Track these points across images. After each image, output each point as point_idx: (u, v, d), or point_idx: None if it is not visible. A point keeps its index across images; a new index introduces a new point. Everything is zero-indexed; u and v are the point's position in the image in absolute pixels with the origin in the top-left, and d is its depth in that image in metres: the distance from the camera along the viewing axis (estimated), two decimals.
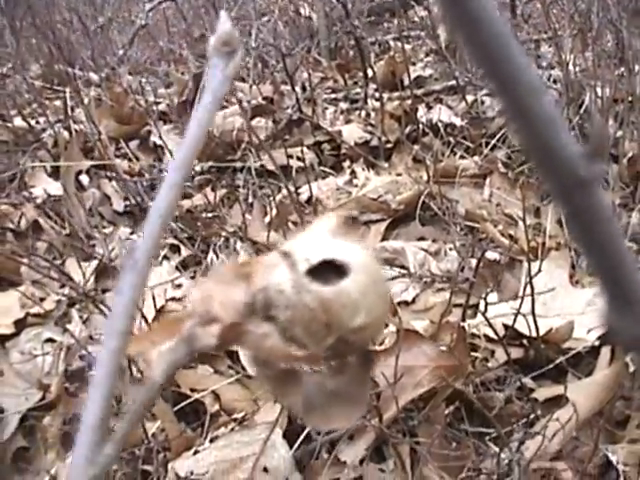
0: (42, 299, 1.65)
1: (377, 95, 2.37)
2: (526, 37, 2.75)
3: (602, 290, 0.22)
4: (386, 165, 2.17)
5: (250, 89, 2.46)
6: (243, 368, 1.40)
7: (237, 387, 1.38)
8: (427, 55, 2.98)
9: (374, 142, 2.27)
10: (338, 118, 2.46)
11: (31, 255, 1.68)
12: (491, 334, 1.35)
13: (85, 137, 2.34)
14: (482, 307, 1.36)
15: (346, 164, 2.20)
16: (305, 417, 0.34)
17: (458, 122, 2.26)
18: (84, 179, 2.22)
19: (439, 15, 2.96)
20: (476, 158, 2.06)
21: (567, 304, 1.47)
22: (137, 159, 2.35)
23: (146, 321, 1.39)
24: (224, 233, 1.84)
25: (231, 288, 0.33)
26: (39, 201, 2.06)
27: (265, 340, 0.32)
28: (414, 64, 2.79)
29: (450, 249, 1.70)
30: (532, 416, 1.24)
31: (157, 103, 2.66)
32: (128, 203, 2.14)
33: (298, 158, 2.10)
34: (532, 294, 1.32)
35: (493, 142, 2.10)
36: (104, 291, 1.70)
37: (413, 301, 1.54)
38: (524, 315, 1.34)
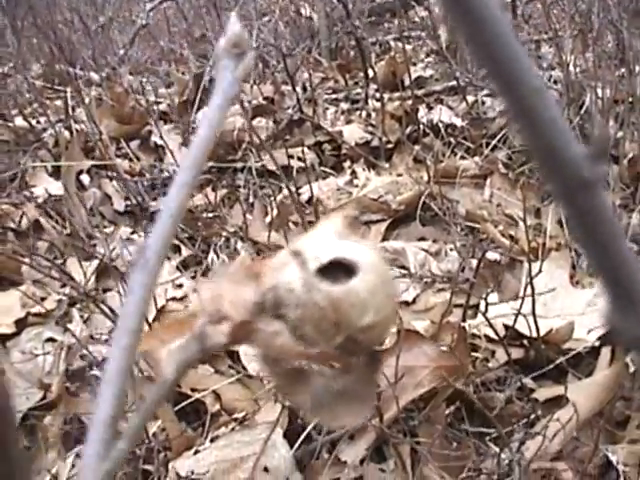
0: (43, 298, 1.65)
1: (378, 95, 2.37)
2: (526, 38, 2.75)
3: (604, 290, 0.22)
4: (387, 165, 2.17)
5: (251, 89, 2.46)
6: (244, 368, 1.40)
7: (238, 387, 1.39)
8: (428, 55, 2.98)
9: (375, 142, 2.27)
10: (339, 118, 2.47)
11: (32, 254, 1.68)
12: (492, 334, 1.35)
13: (86, 137, 2.34)
14: (483, 307, 1.37)
15: (347, 164, 2.21)
16: (313, 415, 0.34)
17: (459, 123, 2.26)
18: (85, 179, 2.22)
19: (440, 15, 2.97)
20: (477, 159, 2.06)
21: (567, 305, 1.47)
22: (138, 159, 2.35)
23: (146, 321, 1.39)
24: (225, 233, 1.84)
25: (241, 287, 0.33)
26: (40, 201, 2.06)
27: (275, 338, 0.32)
28: (415, 64, 2.80)
29: (451, 249, 1.71)
30: (532, 416, 1.25)
31: (158, 103, 2.66)
32: (129, 203, 2.14)
33: (299, 158, 2.10)
34: (532, 294, 1.32)
35: (494, 143, 2.10)
36: (105, 291, 1.70)
37: (414, 301, 1.54)
38: (524, 315, 1.34)
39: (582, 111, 2.03)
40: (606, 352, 1.34)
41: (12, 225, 1.96)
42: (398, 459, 1.19)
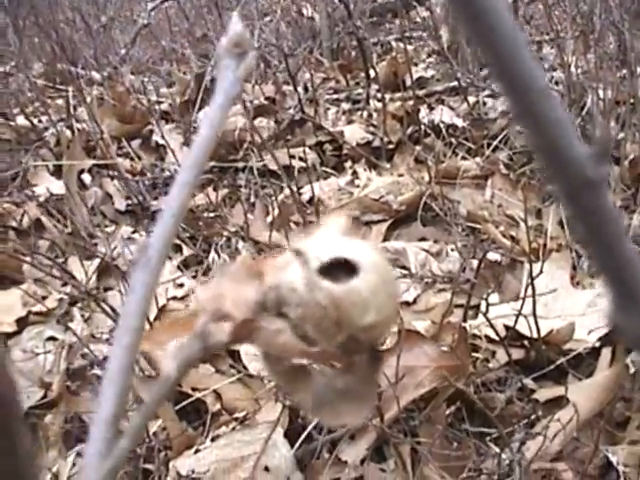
0: (44, 297, 1.65)
1: (379, 96, 2.37)
2: (528, 38, 2.75)
3: (608, 290, 0.22)
4: (388, 166, 2.17)
5: (252, 89, 2.46)
6: (245, 367, 1.40)
7: (238, 386, 1.39)
8: (429, 56, 2.99)
9: (376, 143, 2.27)
10: (340, 118, 2.47)
11: (33, 253, 1.69)
12: (492, 335, 1.36)
13: (87, 136, 2.34)
14: (483, 308, 1.37)
15: (348, 164, 2.21)
16: (315, 413, 0.34)
17: (460, 123, 2.26)
18: (86, 178, 2.23)
19: (441, 16, 2.97)
20: (478, 159, 2.06)
21: (568, 305, 1.47)
22: (139, 158, 2.36)
23: (148, 320, 1.39)
24: (226, 233, 1.84)
25: (243, 286, 0.33)
26: (41, 199, 2.07)
27: (277, 337, 0.33)
28: (416, 65, 2.80)
29: (451, 250, 1.71)
30: (533, 417, 1.25)
31: (159, 102, 2.66)
32: (130, 202, 2.14)
33: (300, 158, 2.10)
34: (533, 295, 1.32)
35: (495, 143, 2.10)
36: (106, 290, 1.70)
37: (414, 301, 1.55)
38: (525, 316, 1.34)
39: (583, 112, 2.03)
40: (606, 353, 1.34)
41: (13, 224, 1.96)
42: (398, 459, 1.19)
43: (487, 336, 1.38)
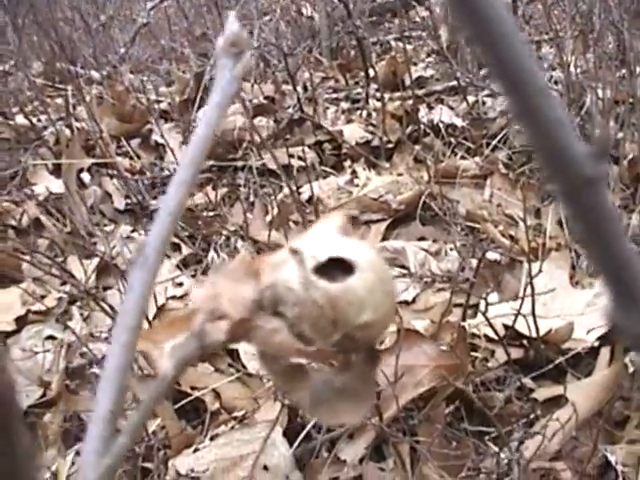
0: (43, 296, 1.65)
1: (378, 95, 2.37)
2: (527, 38, 2.75)
3: (607, 288, 0.22)
4: (387, 165, 2.17)
5: (252, 88, 2.47)
6: (243, 366, 1.40)
7: (237, 385, 1.39)
8: (428, 55, 2.99)
9: (375, 142, 2.27)
10: (339, 118, 2.47)
11: (32, 252, 1.69)
12: (491, 334, 1.36)
13: (87, 135, 2.34)
14: (482, 307, 1.37)
15: (347, 164, 2.21)
16: (312, 412, 0.35)
17: (459, 123, 2.26)
18: (85, 177, 2.23)
19: (441, 15, 2.97)
20: (477, 159, 2.06)
21: (567, 305, 1.47)
22: (138, 157, 2.36)
23: (147, 319, 1.39)
24: (225, 232, 1.84)
25: (240, 285, 0.33)
26: (41, 198, 2.07)
27: (274, 335, 0.33)
28: (415, 64, 2.80)
29: (451, 249, 1.71)
30: (532, 416, 1.25)
31: (158, 101, 2.66)
32: (129, 201, 2.14)
33: (299, 157, 2.10)
34: (532, 294, 1.32)
35: (494, 143, 2.10)
36: (105, 289, 1.70)
37: (413, 301, 1.55)
38: (524, 315, 1.34)
39: (583, 112, 2.03)
40: (605, 352, 1.34)
41: (13, 223, 1.96)
42: (397, 458, 1.19)
43: (486, 335, 1.38)
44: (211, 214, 1.98)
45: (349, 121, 2.43)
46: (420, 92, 2.46)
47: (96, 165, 2.25)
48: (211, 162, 2.20)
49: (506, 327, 1.38)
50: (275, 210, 1.88)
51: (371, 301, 0.33)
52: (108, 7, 4.10)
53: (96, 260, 1.74)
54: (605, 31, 2.30)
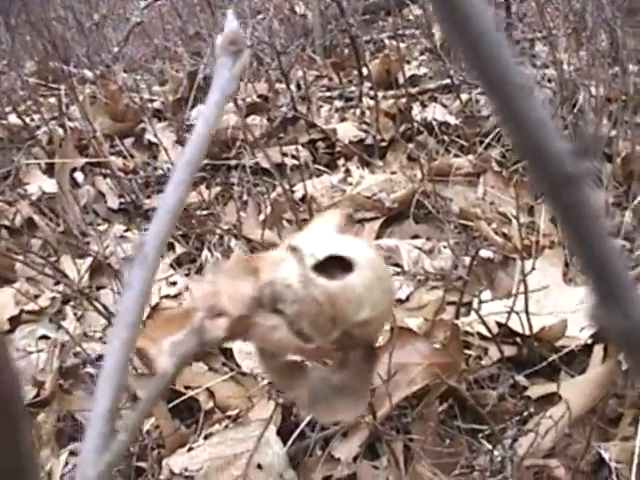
0: (36, 296, 1.65)
1: (372, 93, 2.37)
2: (520, 36, 2.76)
3: (590, 285, 0.22)
4: (380, 163, 2.17)
5: (245, 87, 2.46)
6: (237, 365, 1.40)
7: (231, 384, 1.39)
8: (422, 54, 2.99)
9: (369, 140, 2.27)
10: (333, 116, 2.47)
11: (26, 252, 1.68)
12: (484, 332, 1.36)
13: (80, 134, 2.34)
14: (476, 305, 1.37)
15: (341, 162, 2.21)
16: (310, 409, 0.35)
17: (452, 121, 2.26)
18: (79, 176, 2.22)
19: (434, 14, 2.96)
20: (470, 157, 2.06)
21: (560, 302, 1.47)
22: (132, 156, 2.35)
23: None
24: (218, 231, 1.84)
25: (239, 282, 0.33)
26: (34, 198, 2.06)
27: (273, 333, 0.33)
28: (409, 63, 2.80)
29: (444, 247, 1.71)
30: (525, 413, 1.25)
31: (152, 101, 2.66)
32: (122, 200, 2.14)
33: (293, 156, 2.10)
34: (525, 292, 1.33)
35: (487, 141, 2.10)
36: (98, 288, 1.70)
37: (407, 299, 1.55)
38: (517, 313, 1.34)
39: (575, 109, 2.03)
40: (599, 350, 1.34)
41: (6, 222, 1.96)
42: (391, 456, 1.19)
43: (479, 333, 1.38)
44: (204, 213, 1.98)
45: (343, 119, 2.43)
46: (413, 90, 2.46)
47: (89, 164, 2.24)
48: (205, 161, 2.20)
49: (499, 325, 1.38)
50: (268, 209, 1.88)
51: (369, 299, 0.33)
52: (101, 6, 4.10)
53: (89, 260, 1.74)
54: (598, 29, 2.30)
